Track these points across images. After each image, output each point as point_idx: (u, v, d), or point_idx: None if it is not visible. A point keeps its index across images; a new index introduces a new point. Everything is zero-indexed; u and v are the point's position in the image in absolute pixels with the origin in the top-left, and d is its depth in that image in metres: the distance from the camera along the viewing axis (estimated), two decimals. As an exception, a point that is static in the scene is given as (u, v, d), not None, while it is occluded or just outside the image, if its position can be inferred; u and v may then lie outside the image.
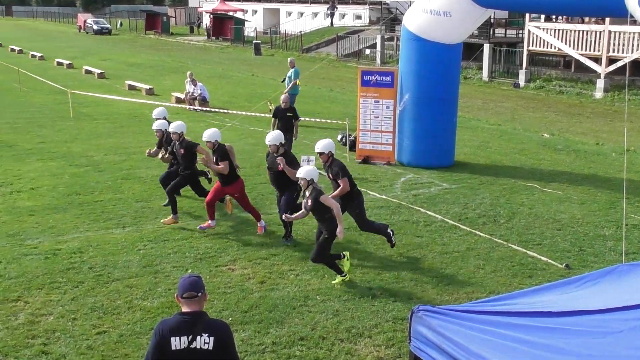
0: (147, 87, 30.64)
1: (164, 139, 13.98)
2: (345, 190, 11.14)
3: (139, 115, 24.57)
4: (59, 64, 42.03)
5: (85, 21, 79.21)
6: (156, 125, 14.10)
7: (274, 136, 11.93)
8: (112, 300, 9.76)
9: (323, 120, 21.47)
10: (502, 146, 20.45)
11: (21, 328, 8.92)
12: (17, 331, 8.83)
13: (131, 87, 31.65)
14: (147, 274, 10.69)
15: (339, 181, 11.12)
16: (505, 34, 42.00)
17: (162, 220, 12.97)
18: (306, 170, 10.26)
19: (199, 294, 5.45)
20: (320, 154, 11.26)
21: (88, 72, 37.49)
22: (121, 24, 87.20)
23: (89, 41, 65.28)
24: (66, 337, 8.72)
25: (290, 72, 23.49)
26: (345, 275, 10.36)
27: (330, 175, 11.34)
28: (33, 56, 47.09)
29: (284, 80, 24.73)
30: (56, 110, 25.38)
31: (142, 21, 79.81)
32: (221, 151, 12.33)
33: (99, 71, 36.57)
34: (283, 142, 11.99)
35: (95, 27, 75.94)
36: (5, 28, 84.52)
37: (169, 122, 13.91)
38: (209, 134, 12.44)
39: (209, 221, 12.58)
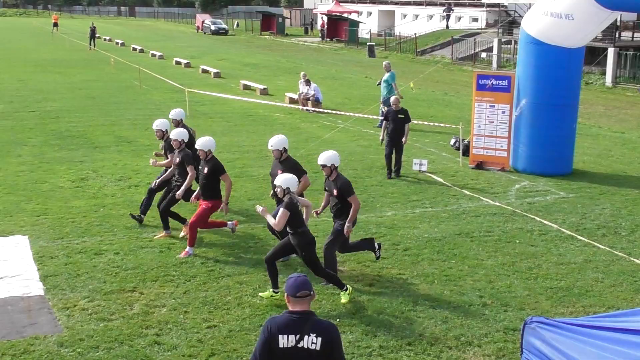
0: (262, 87, 31.11)
1: (165, 140, 13.06)
2: (358, 208, 10.22)
3: (253, 115, 24.97)
4: (177, 63, 43.31)
5: (203, 21, 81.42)
6: (156, 124, 13.13)
7: (276, 140, 11.06)
8: (223, 295, 9.91)
9: (436, 124, 21.20)
10: (625, 155, 19.60)
11: (136, 318, 9.18)
12: (132, 321, 9.09)
13: (246, 87, 32.22)
14: (257, 271, 10.80)
15: (349, 199, 10.11)
16: (633, 37, 40.22)
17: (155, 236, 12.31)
18: (284, 179, 9.52)
19: (311, 292, 5.48)
20: (323, 166, 10.30)
21: (205, 71, 38.43)
22: (237, 25, 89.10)
23: (206, 41, 67.02)
24: (178, 329, 8.91)
25: (387, 75, 23.28)
26: (347, 290, 9.68)
27: (334, 191, 10.26)
28: (153, 55, 48.70)
29: (379, 83, 24.54)
30: (173, 108, 26.03)
31: (257, 22, 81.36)
32: (216, 162, 11.44)
33: (215, 70, 37.42)
34: (287, 147, 11.10)
35: (212, 27, 77.90)
36: (129, 28, 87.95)
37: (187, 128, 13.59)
38: (202, 142, 11.41)
39: (228, 225, 11.85)
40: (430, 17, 63.23)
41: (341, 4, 72.45)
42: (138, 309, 9.43)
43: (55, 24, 74.03)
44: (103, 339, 8.58)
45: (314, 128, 22.66)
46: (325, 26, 67.64)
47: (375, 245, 10.87)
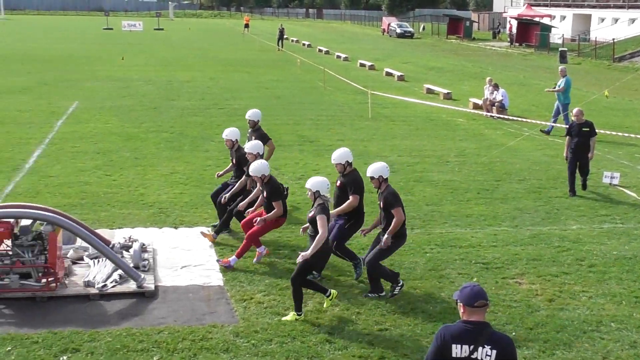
0: (445, 91, 30.72)
1: (235, 149, 12.47)
2: (400, 221, 9.55)
3: (435, 119, 24.69)
4: (362, 65, 43.75)
5: (389, 24, 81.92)
6: (226, 133, 12.47)
7: (338, 154, 10.37)
8: (395, 299, 9.78)
9: (632, 136, 19.91)
10: None
11: (309, 315, 9.26)
12: (304, 317, 9.16)
13: (429, 91, 31.95)
14: (431, 277, 10.61)
15: (393, 211, 9.53)
16: None
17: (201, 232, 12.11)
18: (314, 182, 9.33)
19: (488, 302, 5.36)
20: (371, 178, 9.79)
21: (388, 74, 38.56)
22: (424, 28, 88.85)
23: (391, 44, 67.30)
24: (349, 329, 8.90)
25: (561, 81, 22.28)
26: (301, 315, 9.11)
27: (380, 203, 9.79)
28: (338, 57, 49.53)
29: (553, 88, 23.46)
30: (356, 110, 26.34)
31: (444, 25, 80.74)
32: (272, 187, 10.69)
33: (399, 73, 37.43)
34: (350, 160, 10.33)
35: (398, 30, 78.19)
36: (316, 30, 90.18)
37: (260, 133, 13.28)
38: (255, 168, 10.57)
39: (258, 249, 11.08)
40: (632, 20, 59.61)
41: (533, 7, 70.19)
42: (311, 306, 9.51)
43: (247, 25, 77.34)
44: (277, 333, 8.73)
45: (497, 135, 22.05)
46: (515, 30, 65.78)
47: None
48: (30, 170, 16.45)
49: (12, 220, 9.64)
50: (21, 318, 9.03)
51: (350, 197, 10.21)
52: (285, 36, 58.31)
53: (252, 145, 11.70)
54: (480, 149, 19.74)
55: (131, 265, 10.25)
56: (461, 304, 5.34)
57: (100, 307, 9.43)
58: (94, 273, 10.13)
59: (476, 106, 26.91)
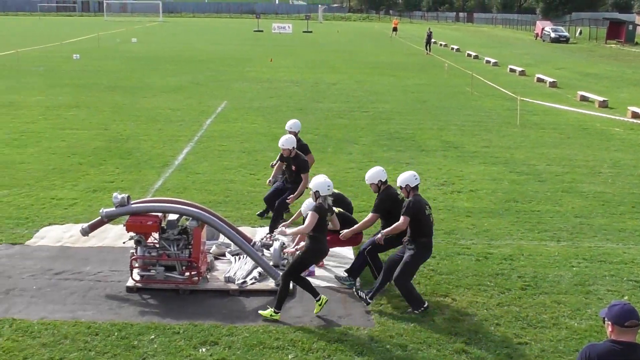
0: (601, 99, 29.35)
1: (293, 157, 12.25)
2: (400, 228, 9.36)
3: (588, 128, 23.63)
4: (512, 70, 42.62)
5: (543, 29, 79.46)
6: (282, 143, 12.20)
7: (370, 174, 10.10)
8: (538, 313, 9.42)
9: None
10: None
11: (445, 323, 9.06)
12: (441, 325, 9.00)
13: (583, 98, 30.65)
14: (577, 292, 10.12)
15: (402, 215, 9.39)
16: None
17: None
18: (315, 182, 9.42)
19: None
20: (399, 187, 9.69)
21: (540, 80, 37.35)
22: (580, 32, 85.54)
23: (544, 49, 65.25)
24: (487, 340, 8.64)
25: None
26: (320, 300, 9.23)
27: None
28: (487, 62, 48.50)
29: None
30: (503, 116, 25.65)
31: (603, 29, 77.39)
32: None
33: (551, 80, 36.16)
34: (383, 179, 10.07)
35: (552, 34, 75.71)
36: (465, 34, 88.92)
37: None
38: (306, 207, 10.19)
39: None
40: None
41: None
42: (449, 315, 9.31)
43: (395, 29, 77.43)
44: (412, 340, 8.59)
45: (653, 144, 20.84)
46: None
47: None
48: (179, 166, 17.11)
49: (160, 214, 10.02)
50: (164, 309, 9.37)
51: (370, 214, 10.17)
52: (433, 40, 57.85)
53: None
54: (637, 160, 18.72)
55: (271, 263, 10.40)
56: (609, 322, 5.06)
57: (239, 302, 9.63)
58: (235, 269, 10.37)
59: (635, 115, 25.51)
